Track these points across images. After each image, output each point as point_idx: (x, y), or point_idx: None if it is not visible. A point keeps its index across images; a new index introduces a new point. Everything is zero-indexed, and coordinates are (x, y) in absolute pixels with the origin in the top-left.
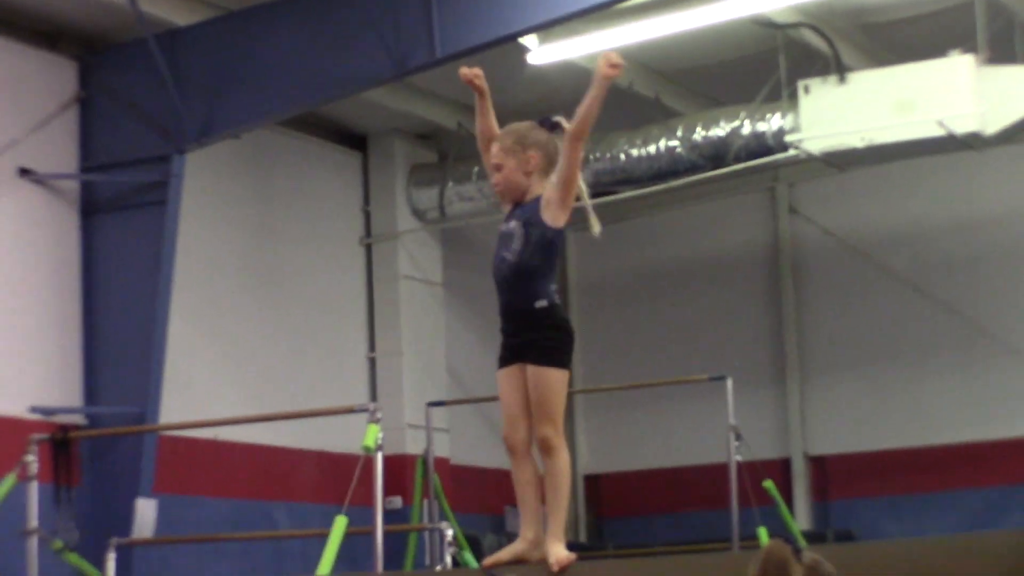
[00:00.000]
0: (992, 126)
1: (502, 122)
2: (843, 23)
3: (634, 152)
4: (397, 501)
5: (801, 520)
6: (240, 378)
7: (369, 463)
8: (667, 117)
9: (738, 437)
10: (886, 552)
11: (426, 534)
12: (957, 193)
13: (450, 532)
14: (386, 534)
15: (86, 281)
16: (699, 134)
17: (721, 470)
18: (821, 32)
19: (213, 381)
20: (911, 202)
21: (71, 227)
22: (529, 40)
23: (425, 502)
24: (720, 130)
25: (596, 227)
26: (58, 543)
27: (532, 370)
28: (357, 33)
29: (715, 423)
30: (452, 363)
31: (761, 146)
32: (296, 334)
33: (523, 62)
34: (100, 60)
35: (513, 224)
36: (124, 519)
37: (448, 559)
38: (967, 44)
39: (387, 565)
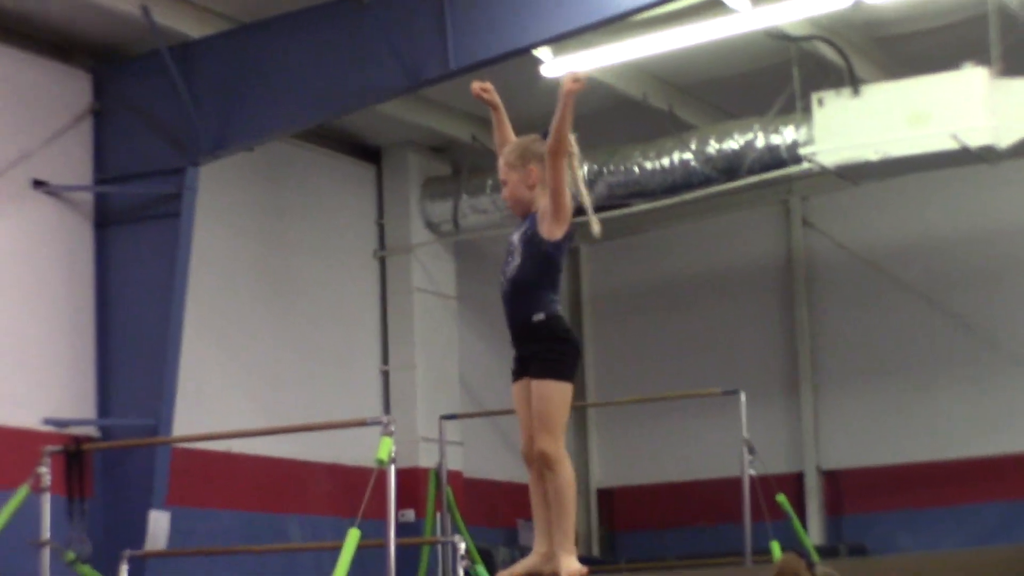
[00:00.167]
0: (1006, 139)
1: (517, 134)
2: (857, 36)
3: (648, 165)
4: (410, 514)
5: (814, 534)
6: (253, 390)
7: (382, 476)
8: (681, 130)
9: (751, 451)
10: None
11: (439, 547)
12: (970, 206)
13: (463, 545)
14: (399, 547)
15: (100, 293)
16: (713, 147)
17: (734, 484)
18: (835, 45)
19: (226, 393)
20: (924, 215)
21: (85, 239)
22: (543, 52)
23: (438, 515)
24: (734, 143)
25: (596, 227)
26: (70, 555)
27: (533, 383)
28: (371, 46)
29: (728, 437)
30: (465, 376)
31: (775, 159)
32: (310, 347)
33: (537, 74)
34: (114, 72)
35: (515, 238)
36: (137, 531)
37: (461, 572)
38: (981, 57)
39: None
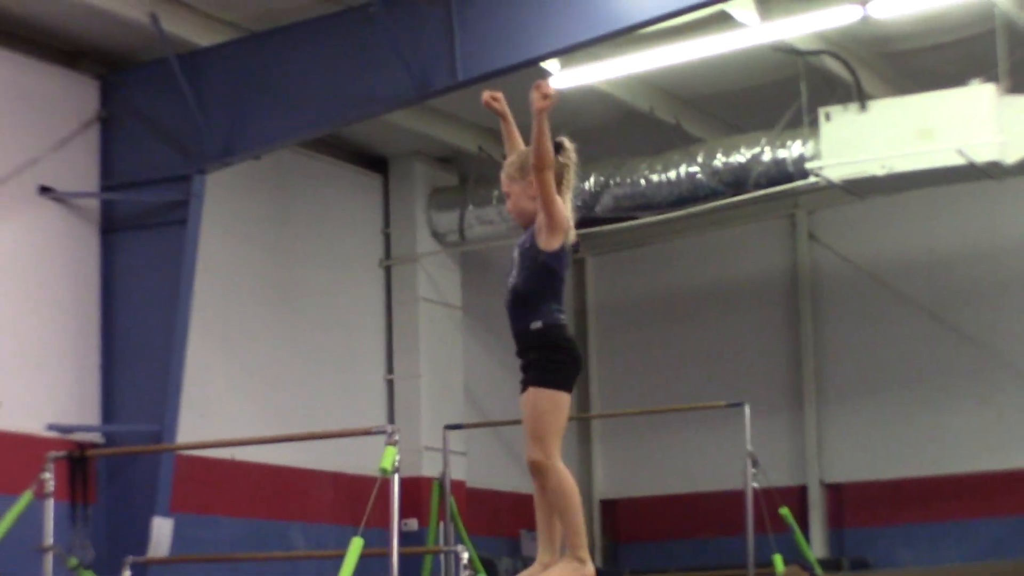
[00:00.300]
0: (1012, 155)
1: (526, 144)
2: (864, 51)
3: (654, 178)
4: (413, 523)
5: (816, 547)
6: (258, 398)
7: (386, 485)
8: (688, 143)
9: (755, 463)
10: None
11: (441, 557)
12: (976, 222)
13: (465, 555)
14: (402, 556)
15: (105, 299)
16: (719, 160)
17: (737, 496)
18: (842, 60)
19: (231, 401)
20: (930, 230)
21: (91, 245)
22: (551, 64)
23: (441, 525)
24: (740, 156)
25: (571, 235)
26: (73, 560)
27: (528, 391)
28: (379, 55)
29: (732, 449)
30: (470, 386)
31: (781, 173)
32: (314, 355)
33: None
34: (121, 79)
35: (516, 249)
36: (140, 537)
37: None
38: (988, 73)
39: None
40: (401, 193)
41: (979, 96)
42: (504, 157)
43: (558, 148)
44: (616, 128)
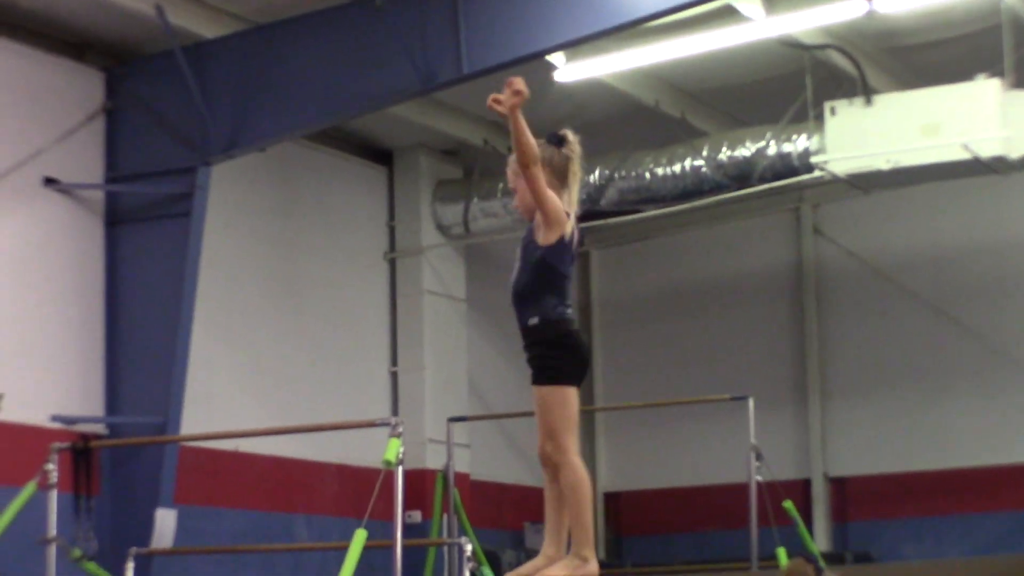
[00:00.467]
0: (1017, 150)
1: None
2: (870, 45)
3: (659, 171)
4: (417, 515)
5: (820, 541)
6: (262, 390)
7: (389, 477)
8: (693, 136)
9: (759, 457)
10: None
11: (445, 549)
12: (981, 216)
13: (469, 547)
14: (405, 548)
15: (109, 291)
16: (724, 154)
17: (741, 490)
18: (848, 54)
19: (235, 393)
20: (935, 225)
21: (95, 237)
22: (556, 58)
23: (445, 517)
24: (746, 150)
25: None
26: (77, 552)
27: (533, 388)
28: (384, 48)
29: (736, 443)
30: (474, 379)
31: (786, 167)
32: (319, 347)
33: (550, 80)
34: (127, 71)
35: (520, 245)
36: (144, 529)
37: (467, 574)
38: (994, 68)
39: None
40: (406, 186)
41: (984, 91)
42: (510, 150)
43: (561, 140)
44: (621, 121)
